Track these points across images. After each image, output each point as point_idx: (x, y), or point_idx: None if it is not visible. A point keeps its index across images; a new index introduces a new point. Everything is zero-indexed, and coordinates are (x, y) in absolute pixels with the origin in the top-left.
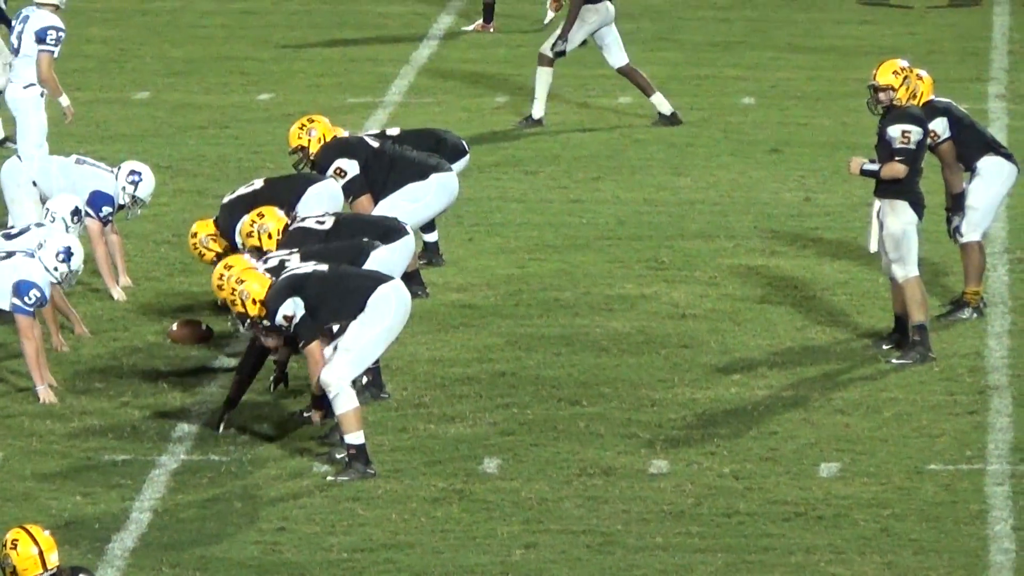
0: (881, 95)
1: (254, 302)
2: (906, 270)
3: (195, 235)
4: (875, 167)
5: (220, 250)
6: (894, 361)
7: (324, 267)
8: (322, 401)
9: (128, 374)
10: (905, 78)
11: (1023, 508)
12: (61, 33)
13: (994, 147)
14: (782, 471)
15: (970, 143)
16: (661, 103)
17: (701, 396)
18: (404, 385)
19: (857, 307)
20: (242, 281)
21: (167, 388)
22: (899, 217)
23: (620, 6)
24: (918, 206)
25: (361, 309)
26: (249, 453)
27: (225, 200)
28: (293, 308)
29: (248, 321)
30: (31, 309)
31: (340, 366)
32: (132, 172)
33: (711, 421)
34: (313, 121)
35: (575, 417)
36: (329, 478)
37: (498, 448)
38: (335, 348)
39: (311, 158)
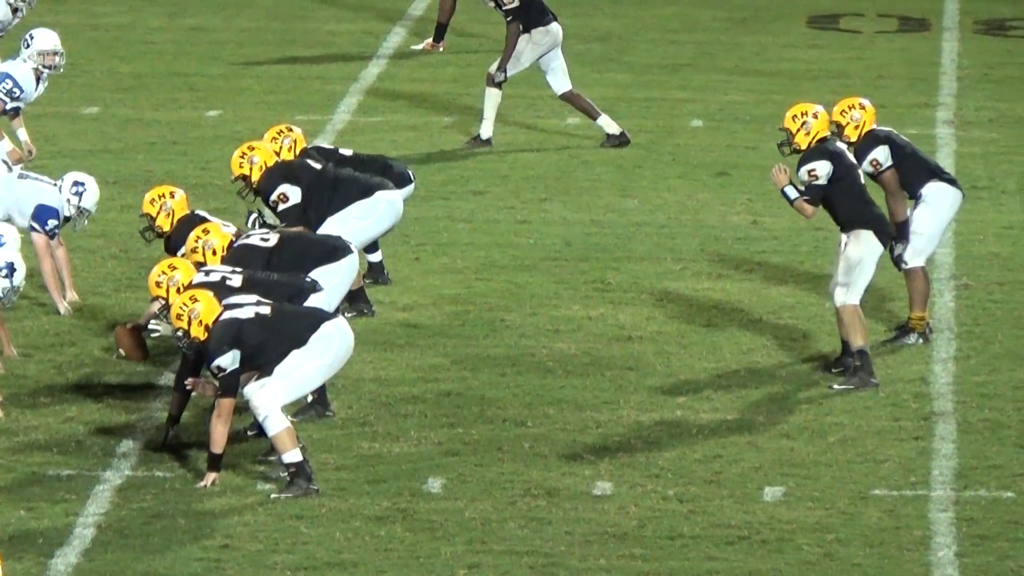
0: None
1: (200, 323)
2: (847, 296)
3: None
4: (794, 195)
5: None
6: (835, 387)
7: (266, 309)
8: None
9: (74, 389)
10: (803, 123)
11: (966, 535)
12: (17, 90)
13: (938, 173)
14: (726, 494)
15: (913, 170)
16: (608, 124)
17: (646, 418)
18: (349, 404)
19: (804, 331)
20: (195, 300)
21: (112, 404)
22: (862, 245)
23: (569, 28)
24: (883, 234)
25: (304, 343)
26: (193, 470)
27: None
28: (230, 362)
29: (186, 340)
30: None
31: (272, 391)
32: (76, 183)
33: (656, 443)
34: (253, 148)
35: (520, 438)
36: (273, 495)
37: (442, 468)
38: (271, 373)
39: (254, 186)
